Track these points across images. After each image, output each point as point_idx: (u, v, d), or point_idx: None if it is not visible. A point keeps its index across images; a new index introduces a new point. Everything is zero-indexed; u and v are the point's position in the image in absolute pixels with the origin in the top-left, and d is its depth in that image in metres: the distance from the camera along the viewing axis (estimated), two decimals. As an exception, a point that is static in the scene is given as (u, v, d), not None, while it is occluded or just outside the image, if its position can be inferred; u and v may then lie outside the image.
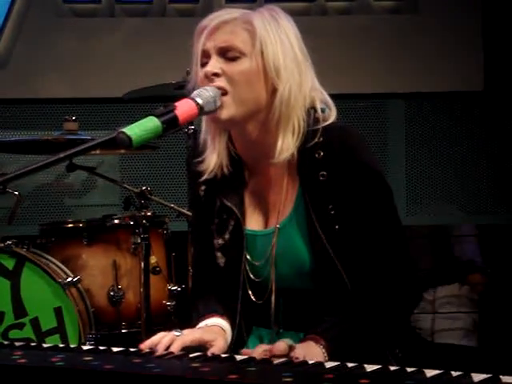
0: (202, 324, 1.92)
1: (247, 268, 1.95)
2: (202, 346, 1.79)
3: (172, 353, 1.70)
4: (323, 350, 1.76)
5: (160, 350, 1.71)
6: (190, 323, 1.99)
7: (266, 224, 1.96)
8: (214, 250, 2.00)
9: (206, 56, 1.88)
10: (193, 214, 2.13)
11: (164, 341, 1.73)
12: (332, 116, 1.92)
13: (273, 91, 1.87)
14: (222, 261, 1.98)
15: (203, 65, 1.88)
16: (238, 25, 1.86)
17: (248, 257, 1.95)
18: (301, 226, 1.90)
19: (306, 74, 1.90)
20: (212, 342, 1.80)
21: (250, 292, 1.96)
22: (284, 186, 1.93)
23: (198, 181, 2.00)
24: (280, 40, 1.87)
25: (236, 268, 1.95)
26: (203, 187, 2.01)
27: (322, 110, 1.92)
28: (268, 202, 1.96)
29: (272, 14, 1.90)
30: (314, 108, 1.91)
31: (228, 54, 1.85)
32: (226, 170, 1.95)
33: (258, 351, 1.66)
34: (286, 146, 1.88)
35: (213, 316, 1.93)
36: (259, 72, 1.86)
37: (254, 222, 1.97)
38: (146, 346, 1.74)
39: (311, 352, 1.73)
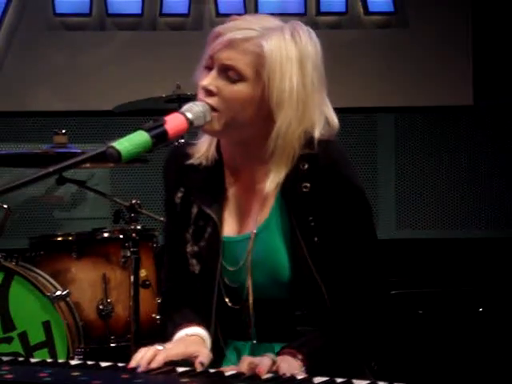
0: (181, 333, 1.89)
1: (222, 274, 1.94)
2: (186, 360, 1.78)
3: (159, 368, 1.69)
4: (301, 364, 1.75)
5: (143, 366, 1.70)
6: (165, 333, 1.97)
7: (243, 230, 1.95)
8: (187, 257, 1.97)
9: (211, 63, 1.85)
10: (166, 223, 2.10)
11: (146, 356, 1.72)
12: (331, 133, 1.89)
13: (267, 117, 1.84)
14: (196, 268, 1.96)
15: (206, 67, 1.86)
16: (250, 46, 1.80)
17: (224, 263, 1.94)
18: (279, 233, 1.89)
19: (313, 105, 1.85)
20: (196, 353, 1.79)
21: (226, 299, 1.95)
22: (263, 193, 1.90)
23: (175, 187, 1.99)
24: (291, 72, 1.80)
25: (211, 275, 1.93)
26: (180, 194, 1.99)
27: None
28: (246, 208, 1.95)
29: (293, 34, 1.82)
30: (311, 133, 1.87)
31: (229, 72, 1.81)
32: (210, 162, 1.93)
33: (244, 366, 1.65)
34: (278, 176, 1.86)
35: (191, 325, 1.91)
36: (257, 98, 1.82)
37: (230, 228, 1.95)
38: (132, 366, 1.73)
39: (291, 364, 1.72)
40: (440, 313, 4.66)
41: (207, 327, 1.92)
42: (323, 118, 1.88)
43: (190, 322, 1.92)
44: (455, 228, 4.99)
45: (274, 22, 1.85)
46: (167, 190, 2.03)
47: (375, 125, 4.96)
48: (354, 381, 1.53)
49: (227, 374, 1.62)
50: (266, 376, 1.60)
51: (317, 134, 1.86)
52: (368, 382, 1.53)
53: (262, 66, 1.80)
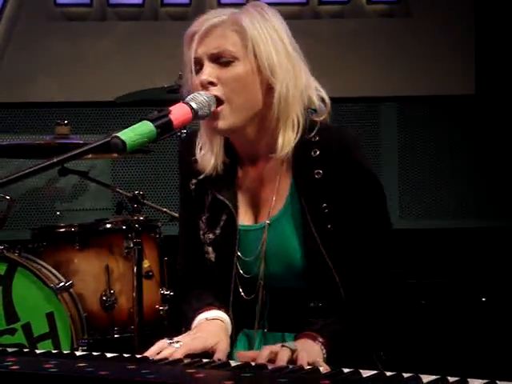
0: (201, 317, 1.89)
1: (237, 264, 1.94)
2: (205, 353, 1.77)
3: (167, 359, 1.68)
4: (322, 347, 1.76)
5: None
6: (181, 322, 1.96)
7: (257, 219, 1.95)
8: (202, 244, 1.98)
9: (198, 63, 1.87)
10: (181, 209, 2.10)
11: (162, 355, 1.71)
12: (326, 110, 1.92)
13: (268, 90, 1.87)
14: (212, 256, 1.97)
15: (197, 71, 1.87)
16: (228, 27, 1.85)
17: (239, 252, 1.94)
18: (293, 222, 1.90)
19: (299, 69, 1.90)
20: (215, 346, 1.78)
21: (240, 289, 1.95)
22: (277, 182, 1.92)
23: (189, 175, 2.00)
24: (271, 38, 1.86)
25: (227, 263, 1.94)
26: (194, 181, 2.00)
27: (316, 110, 1.92)
28: (260, 197, 1.96)
29: (259, 11, 1.89)
30: (309, 107, 1.91)
31: (221, 59, 1.84)
32: (219, 169, 1.95)
33: (264, 355, 1.65)
34: (288, 141, 1.88)
35: (211, 308, 1.91)
36: (254, 73, 1.85)
37: (245, 217, 1.96)
38: None
39: (311, 350, 1.72)
40: (443, 303, 4.67)
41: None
42: (314, 89, 1.92)
43: (209, 306, 1.92)
44: (458, 217, 4.98)
45: (235, 9, 1.91)
46: (182, 176, 2.05)
47: (378, 114, 4.95)
48: (361, 371, 1.53)
49: (234, 364, 1.61)
50: (272, 366, 1.59)
51: (315, 103, 1.90)
52: (374, 372, 1.53)
53: (246, 41, 1.85)
